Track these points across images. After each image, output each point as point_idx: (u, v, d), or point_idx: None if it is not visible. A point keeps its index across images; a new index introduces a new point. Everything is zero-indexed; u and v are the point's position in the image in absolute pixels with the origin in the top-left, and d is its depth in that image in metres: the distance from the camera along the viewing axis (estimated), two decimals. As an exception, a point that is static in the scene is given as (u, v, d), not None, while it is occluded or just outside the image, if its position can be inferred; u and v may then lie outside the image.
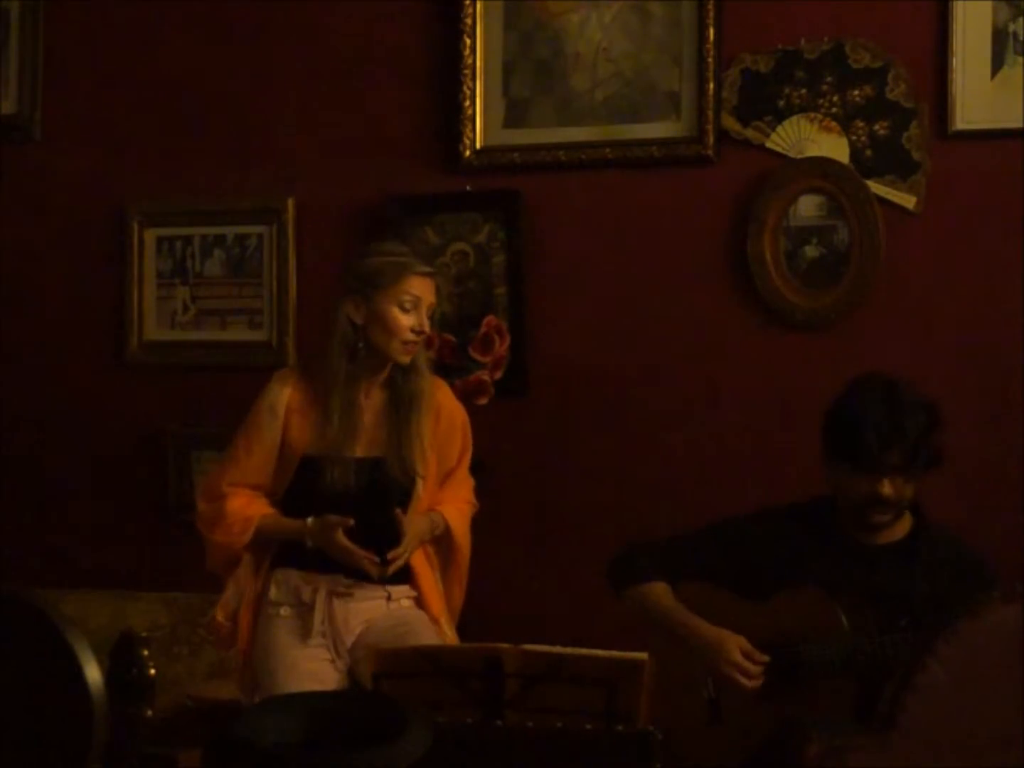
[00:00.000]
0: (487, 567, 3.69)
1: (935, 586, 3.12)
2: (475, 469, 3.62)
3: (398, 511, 3.34)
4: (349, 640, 3.39)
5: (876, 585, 3.15)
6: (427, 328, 3.40)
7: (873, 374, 3.24)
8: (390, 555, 3.32)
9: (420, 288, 3.38)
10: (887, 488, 3.11)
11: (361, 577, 3.40)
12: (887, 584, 3.15)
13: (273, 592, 3.43)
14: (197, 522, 3.50)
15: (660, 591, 3.33)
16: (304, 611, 3.40)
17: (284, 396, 3.43)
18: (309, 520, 3.35)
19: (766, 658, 3.18)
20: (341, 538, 3.29)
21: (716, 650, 3.21)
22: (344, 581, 3.40)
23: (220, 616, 3.48)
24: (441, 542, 3.50)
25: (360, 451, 3.39)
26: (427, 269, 3.42)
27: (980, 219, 3.89)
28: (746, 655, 3.19)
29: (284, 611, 3.41)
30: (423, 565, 3.48)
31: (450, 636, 3.44)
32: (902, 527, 3.23)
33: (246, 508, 3.41)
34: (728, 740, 3.23)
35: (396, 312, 3.36)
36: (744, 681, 3.18)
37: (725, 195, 4.07)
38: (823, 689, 3.12)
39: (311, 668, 3.33)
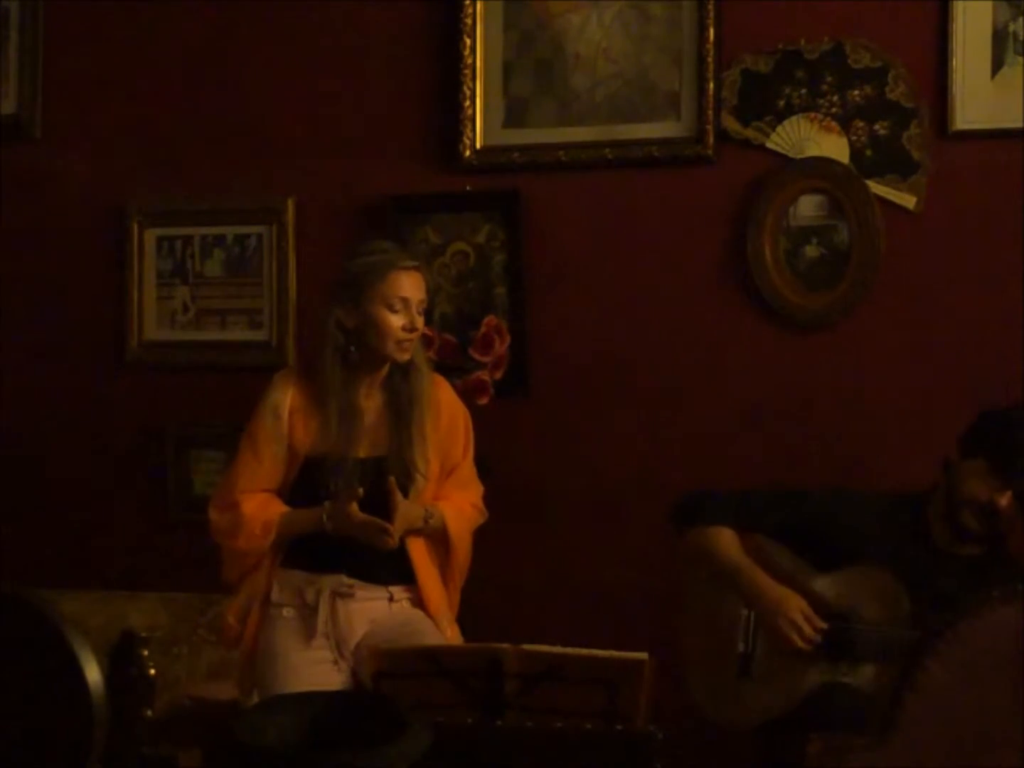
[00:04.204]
0: (487, 567, 3.69)
1: None
2: (479, 472, 3.62)
3: (396, 491, 3.35)
4: (352, 641, 3.38)
5: (941, 589, 3.17)
6: (419, 325, 3.40)
7: None
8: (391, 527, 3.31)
9: (407, 286, 3.37)
10: (1006, 500, 3.16)
11: (363, 577, 3.41)
12: (951, 591, 3.17)
13: (275, 593, 3.42)
14: (213, 534, 3.46)
15: (728, 537, 3.36)
16: (307, 612, 3.39)
17: (287, 397, 3.43)
18: (326, 504, 3.34)
19: (824, 624, 3.22)
20: (355, 511, 3.29)
21: (777, 605, 3.25)
22: (346, 581, 3.40)
23: (231, 618, 3.47)
24: (438, 540, 3.49)
25: (363, 452, 3.40)
26: (411, 263, 3.41)
27: (980, 219, 3.89)
28: (806, 617, 3.22)
29: (287, 612, 3.41)
30: (424, 562, 3.48)
31: (450, 634, 3.44)
32: (980, 545, 3.28)
33: (263, 510, 3.40)
34: (749, 697, 3.27)
35: (385, 314, 3.35)
36: (797, 640, 3.21)
37: (725, 195, 4.07)
38: (866, 671, 3.15)
39: (313, 672, 3.32)
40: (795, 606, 3.23)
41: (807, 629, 3.21)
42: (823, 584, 3.27)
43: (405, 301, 3.37)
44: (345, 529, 3.31)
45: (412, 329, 3.37)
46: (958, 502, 3.22)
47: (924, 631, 3.04)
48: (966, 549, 3.27)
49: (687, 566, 3.45)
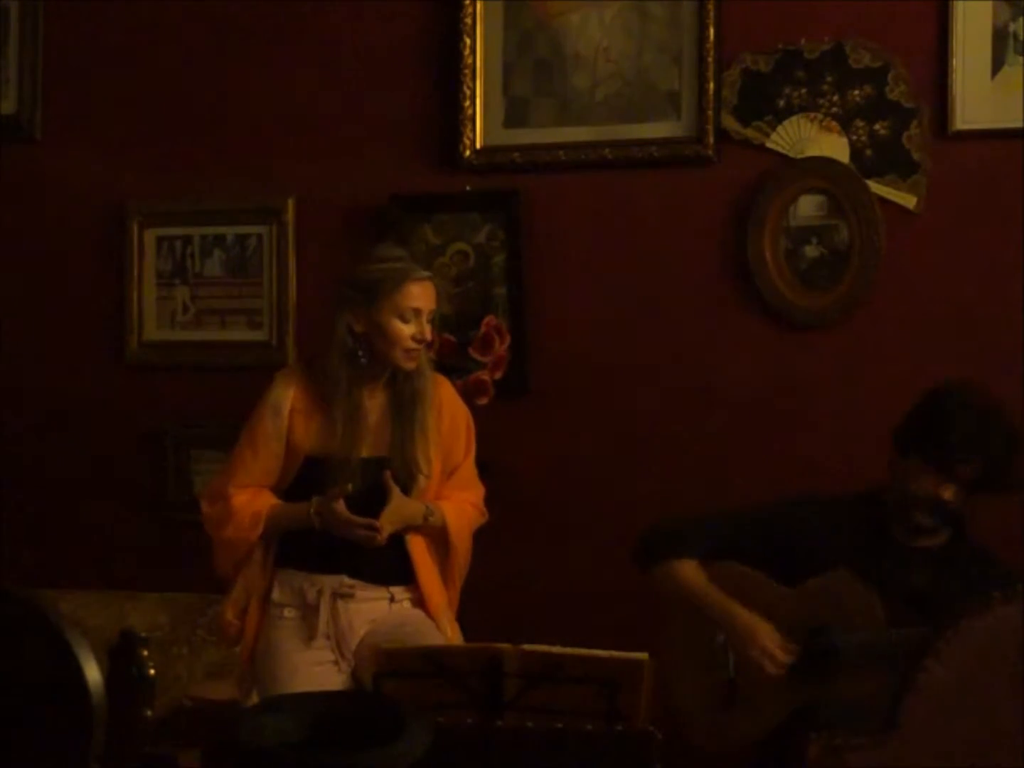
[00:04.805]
0: (487, 567, 3.69)
1: (967, 593, 3.11)
2: (479, 471, 3.61)
3: (392, 485, 3.35)
4: (353, 641, 3.39)
5: (910, 585, 3.17)
6: (428, 335, 3.39)
7: (970, 383, 3.25)
8: (380, 519, 3.31)
9: (419, 296, 3.38)
10: (949, 492, 3.13)
11: (364, 577, 3.41)
12: (921, 585, 3.16)
13: (277, 593, 3.43)
14: (204, 524, 3.49)
15: (692, 569, 3.33)
16: (308, 613, 3.39)
17: (288, 396, 3.43)
18: (314, 499, 3.35)
19: (795, 648, 3.19)
20: (340, 508, 3.30)
21: (747, 634, 3.22)
22: (347, 582, 3.40)
23: (229, 614, 3.47)
24: (438, 539, 3.49)
25: (365, 452, 3.40)
26: (424, 274, 3.42)
27: (980, 219, 3.89)
28: (776, 645, 3.20)
29: (288, 612, 3.41)
30: (424, 560, 3.48)
31: (450, 633, 3.44)
32: (941, 535, 3.25)
33: (253, 502, 3.41)
34: (739, 721, 3.25)
35: (397, 323, 3.36)
36: (770, 668, 3.18)
37: (725, 195, 4.07)
38: (849, 676, 3.12)
39: (314, 672, 3.32)
40: (764, 633, 3.20)
41: (779, 656, 3.19)
42: (794, 600, 3.23)
43: (417, 311, 3.37)
44: (330, 525, 3.32)
45: (421, 339, 3.38)
46: (906, 502, 3.19)
47: (901, 632, 3.06)
48: (928, 541, 3.24)
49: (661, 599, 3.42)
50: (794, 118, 4.01)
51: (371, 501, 3.34)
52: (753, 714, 3.23)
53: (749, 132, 4.05)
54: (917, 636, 3.02)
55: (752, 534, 3.32)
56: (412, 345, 3.37)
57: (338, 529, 3.32)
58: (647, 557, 3.40)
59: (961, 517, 3.25)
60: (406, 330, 3.36)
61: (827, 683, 3.15)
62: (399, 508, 3.36)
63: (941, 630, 2.67)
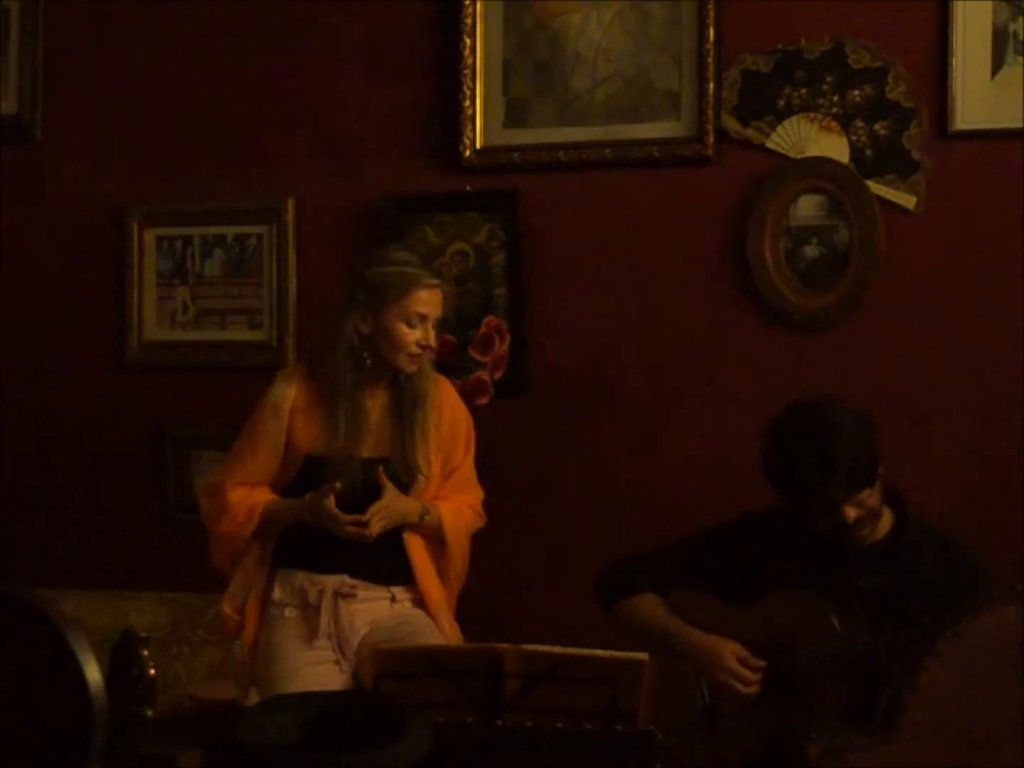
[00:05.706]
0: (488, 567, 3.69)
1: (922, 582, 3.09)
2: (478, 471, 3.62)
3: (385, 481, 3.35)
4: (355, 641, 3.39)
5: (862, 586, 3.12)
6: (432, 342, 3.40)
7: (789, 409, 3.17)
8: (368, 513, 3.31)
9: (428, 302, 3.38)
10: (850, 513, 3.07)
11: (365, 577, 3.41)
12: (873, 584, 3.12)
13: (278, 593, 3.43)
14: (201, 518, 3.51)
15: (651, 602, 3.31)
16: (310, 613, 3.40)
17: (289, 395, 3.44)
18: (307, 496, 3.36)
19: (762, 663, 3.17)
20: (329, 504, 3.30)
21: (712, 658, 3.19)
22: (348, 582, 3.41)
23: (228, 608, 3.49)
24: (435, 539, 3.49)
25: (366, 452, 3.41)
26: (435, 281, 3.42)
27: (980, 219, 3.88)
28: (741, 661, 3.18)
29: (289, 612, 3.42)
30: (422, 558, 3.48)
31: (450, 633, 3.45)
32: (883, 525, 3.19)
33: (249, 497, 3.43)
34: (724, 747, 3.22)
35: (402, 327, 3.37)
36: (741, 688, 3.16)
37: (725, 195, 4.07)
38: (817, 692, 3.10)
39: (314, 672, 3.32)
40: (729, 653, 3.16)
41: (746, 673, 3.16)
42: (752, 621, 3.20)
43: (423, 317, 3.38)
44: (320, 522, 3.34)
45: (426, 345, 3.38)
46: (828, 531, 3.12)
47: (864, 640, 3.04)
48: (872, 536, 3.17)
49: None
50: (794, 118, 4.01)
51: (371, 501, 3.34)
52: (738, 736, 3.20)
53: (749, 132, 4.05)
54: (877, 646, 3.02)
55: (704, 560, 3.29)
56: (416, 350, 3.38)
57: (328, 526, 3.32)
58: (606, 598, 3.39)
59: (899, 499, 3.20)
60: (411, 335, 3.37)
61: (798, 701, 3.12)
62: (392, 503, 3.36)
63: (941, 630, 2.66)
